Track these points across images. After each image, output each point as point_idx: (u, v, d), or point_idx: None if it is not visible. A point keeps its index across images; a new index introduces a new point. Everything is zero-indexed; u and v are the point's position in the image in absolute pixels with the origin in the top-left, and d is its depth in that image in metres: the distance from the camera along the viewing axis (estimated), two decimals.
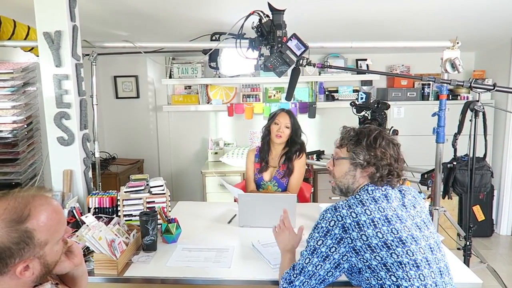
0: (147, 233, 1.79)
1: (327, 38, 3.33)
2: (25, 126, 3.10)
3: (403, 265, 1.19)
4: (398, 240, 1.21)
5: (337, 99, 4.22)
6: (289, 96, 2.31)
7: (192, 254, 1.80)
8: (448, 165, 2.31)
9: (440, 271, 1.26)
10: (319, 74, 4.19)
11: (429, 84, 4.02)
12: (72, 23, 2.05)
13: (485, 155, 2.31)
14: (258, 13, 2.00)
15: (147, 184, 2.08)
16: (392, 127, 2.96)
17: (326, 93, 4.29)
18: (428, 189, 2.78)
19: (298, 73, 2.23)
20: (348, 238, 1.23)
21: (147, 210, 1.97)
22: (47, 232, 0.99)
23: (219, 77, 4.15)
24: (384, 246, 1.20)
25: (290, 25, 2.20)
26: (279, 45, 1.91)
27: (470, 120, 2.16)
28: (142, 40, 2.77)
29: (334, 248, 1.24)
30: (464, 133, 2.32)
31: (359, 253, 1.22)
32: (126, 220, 1.98)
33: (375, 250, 1.20)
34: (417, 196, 1.40)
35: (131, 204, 2.00)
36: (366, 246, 1.21)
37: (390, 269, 1.19)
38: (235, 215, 2.24)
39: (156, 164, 4.53)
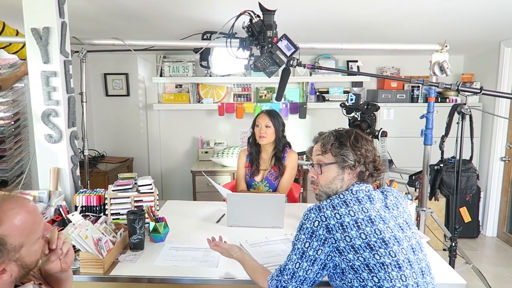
0: (134, 232, 1.78)
1: (318, 39, 3.36)
2: (12, 122, 3.06)
3: (385, 266, 1.20)
4: (381, 241, 1.23)
5: (328, 100, 4.25)
6: (279, 97, 2.32)
7: (179, 253, 1.79)
8: (435, 167, 2.34)
9: (422, 271, 1.28)
10: (310, 75, 4.21)
11: (418, 87, 4.05)
12: (61, 20, 2.02)
13: (471, 157, 2.34)
14: (249, 13, 2.00)
15: (135, 183, 2.06)
16: (381, 128, 2.98)
17: (317, 93, 4.31)
18: (415, 190, 2.81)
19: (288, 73, 2.24)
20: (332, 239, 1.24)
21: (135, 209, 1.96)
22: (21, 236, 0.98)
23: (210, 76, 4.15)
24: (367, 247, 1.21)
25: (281, 25, 2.21)
26: (270, 46, 1.91)
27: (457, 123, 2.18)
28: (132, 38, 2.76)
29: (320, 249, 1.25)
30: (451, 135, 2.35)
31: (343, 254, 1.23)
32: (113, 219, 1.96)
33: (358, 251, 1.22)
34: (399, 197, 1.42)
35: (118, 202, 1.98)
36: (350, 247, 1.22)
37: (373, 270, 1.21)
38: (224, 214, 2.24)
39: (146, 162, 4.51)
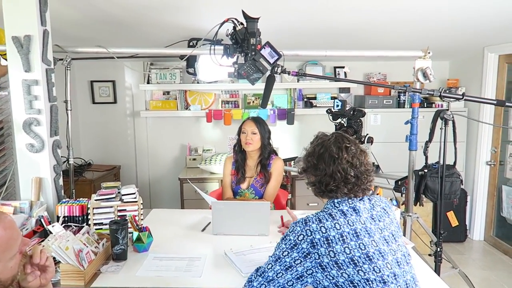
0: (117, 242, 1.75)
1: (304, 46, 3.39)
2: None
3: (370, 282, 1.18)
4: (365, 256, 1.19)
5: (315, 106, 4.26)
6: (264, 104, 2.31)
7: (163, 263, 1.77)
8: (419, 173, 2.35)
9: (407, 284, 1.26)
10: (298, 81, 4.22)
11: (405, 92, 4.09)
12: (42, 28, 2.00)
13: (455, 162, 2.36)
14: (232, 21, 2.00)
15: (119, 192, 2.04)
16: (367, 134, 2.99)
17: (305, 100, 4.33)
18: (402, 195, 2.83)
19: (273, 80, 2.24)
20: (316, 254, 1.21)
21: (118, 218, 1.93)
22: None
23: (198, 83, 4.14)
24: (351, 262, 1.18)
25: (266, 33, 2.21)
26: (253, 53, 1.91)
27: (441, 129, 2.20)
28: (118, 46, 2.74)
29: (299, 260, 1.23)
30: (435, 140, 2.37)
31: (326, 270, 1.20)
32: (96, 229, 1.93)
33: (342, 267, 1.19)
34: (387, 208, 1.38)
35: (102, 212, 1.95)
36: (333, 263, 1.19)
37: (357, 287, 1.18)
38: (210, 223, 2.22)
39: (133, 170, 4.47)
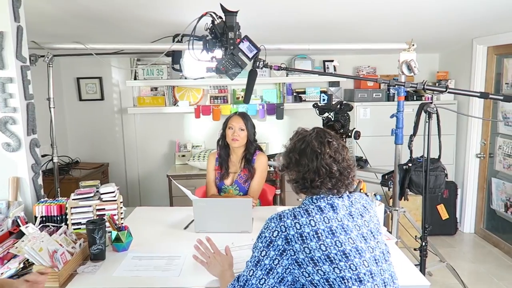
0: (94, 242, 1.72)
1: (292, 40, 3.34)
2: None
3: (345, 280, 1.15)
4: (341, 253, 1.17)
5: (305, 100, 4.23)
6: (247, 99, 2.28)
7: (142, 262, 1.74)
8: (404, 167, 2.33)
9: (384, 282, 1.25)
10: (287, 75, 4.19)
11: (391, 86, 4.06)
12: (16, 24, 1.95)
13: (439, 156, 2.34)
14: (210, 14, 1.96)
15: (97, 191, 2.00)
16: (354, 128, 2.97)
17: (294, 94, 4.29)
18: (389, 190, 2.81)
19: (255, 75, 2.20)
20: (291, 250, 1.19)
21: (96, 218, 1.90)
22: None
23: (186, 78, 4.09)
24: (327, 259, 1.16)
25: (249, 27, 2.17)
26: (231, 47, 1.87)
27: (426, 122, 2.18)
28: (101, 42, 2.69)
29: (277, 260, 1.20)
30: (420, 134, 2.34)
31: (302, 266, 1.18)
32: (74, 229, 1.90)
33: (317, 264, 1.16)
34: (367, 205, 1.35)
35: (80, 212, 1.92)
36: (309, 259, 1.17)
37: (333, 286, 1.16)
38: (193, 220, 2.19)
39: (122, 168, 4.43)
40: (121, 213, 2.00)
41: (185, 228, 2.16)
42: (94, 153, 4.32)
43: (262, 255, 1.22)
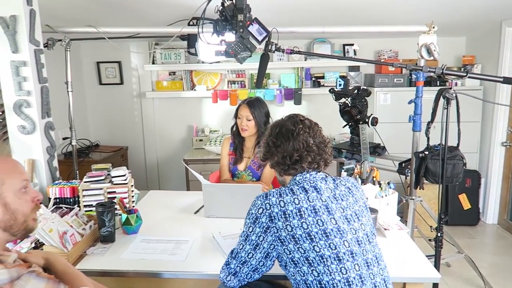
0: (103, 224, 1.75)
1: (310, 22, 3.26)
2: (0, 113, 3.05)
3: (324, 259, 1.19)
4: (322, 232, 1.22)
5: (323, 85, 4.14)
6: (258, 83, 2.24)
7: (150, 245, 1.76)
8: (420, 155, 2.25)
9: (367, 263, 1.25)
10: (305, 60, 4.10)
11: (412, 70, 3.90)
12: (29, 7, 1.97)
13: (458, 144, 2.24)
14: None
15: (109, 174, 2.03)
16: (371, 114, 2.89)
17: (313, 79, 4.21)
18: (406, 178, 2.73)
19: (267, 59, 2.16)
20: (274, 228, 1.24)
21: (107, 200, 1.92)
22: (1, 171, 1.07)
23: (203, 62, 4.07)
24: (308, 237, 1.21)
25: (263, 9, 2.10)
26: (241, 30, 1.83)
27: (444, 108, 2.08)
28: (115, 25, 2.70)
29: (262, 236, 1.27)
30: (439, 121, 2.24)
31: (284, 243, 1.23)
32: (86, 211, 1.94)
33: (298, 242, 1.21)
34: (353, 188, 1.38)
35: (91, 194, 1.96)
36: (290, 237, 1.22)
37: (312, 264, 1.20)
38: (203, 205, 2.20)
39: (142, 151, 4.49)
40: (132, 196, 2.02)
41: (196, 212, 2.17)
42: (114, 137, 4.39)
43: (250, 231, 1.30)
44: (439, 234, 2.17)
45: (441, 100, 2.10)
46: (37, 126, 2.06)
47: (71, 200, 2.00)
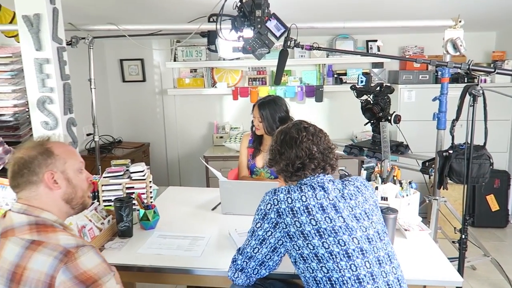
0: (121, 219, 1.77)
1: (330, 18, 3.19)
2: (26, 110, 3.14)
3: (333, 256, 1.19)
4: (331, 229, 1.21)
5: (345, 82, 4.07)
6: (277, 80, 2.23)
7: (166, 241, 1.77)
8: (444, 154, 2.17)
9: (379, 260, 1.23)
10: (327, 56, 4.04)
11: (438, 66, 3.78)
12: (52, 6, 2.01)
13: (485, 143, 2.14)
14: None
15: (127, 170, 2.05)
16: (394, 112, 2.81)
17: (335, 76, 4.14)
18: (429, 178, 2.65)
19: (286, 55, 2.14)
20: (283, 223, 1.26)
21: (125, 196, 1.95)
22: (63, 152, 1.23)
23: (224, 60, 4.07)
24: (317, 234, 1.21)
25: (283, 5, 2.07)
26: (258, 26, 1.81)
27: (470, 105, 2.00)
28: (136, 23, 2.73)
29: (270, 232, 1.28)
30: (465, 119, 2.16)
31: (293, 239, 1.24)
32: (105, 205, 1.97)
33: (307, 238, 1.22)
34: (362, 187, 1.36)
35: (110, 189, 1.99)
36: (299, 233, 1.23)
37: (321, 260, 1.19)
38: (220, 202, 2.20)
39: (163, 148, 4.54)
40: (150, 192, 2.04)
41: (213, 209, 2.17)
42: (136, 133, 4.46)
43: (257, 226, 1.32)
44: (463, 236, 2.09)
45: (467, 97, 2.01)
46: (59, 122, 2.11)
47: (91, 194, 2.03)
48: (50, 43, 2.01)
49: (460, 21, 2.13)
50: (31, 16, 1.96)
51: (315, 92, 4.08)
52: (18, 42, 2.44)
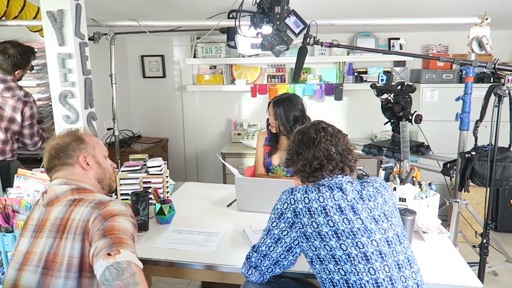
0: (137, 213, 1.79)
1: (352, 15, 3.15)
2: (50, 103, 3.21)
3: (351, 258, 1.17)
4: (349, 230, 1.19)
5: (366, 81, 4.00)
6: (295, 78, 2.21)
7: (181, 236, 1.79)
8: (466, 155, 2.11)
9: (398, 264, 1.20)
10: (348, 54, 3.98)
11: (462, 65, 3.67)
12: (75, 2, 2.05)
13: (510, 145, 2.07)
14: None
15: (145, 164, 2.08)
16: (415, 111, 2.75)
17: (355, 74, 4.08)
18: (450, 179, 2.58)
19: (305, 52, 2.12)
20: (299, 223, 1.24)
21: (141, 190, 1.97)
22: (92, 140, 1.46)
23: (243, 57, 4.06)
24: (334, 235, 1.19)
25: (306, 1, 2.04)
26: (277, 23, 1.80)
27: (495, 106, 1.93)
28: (157, 19, 2.75)
29: (286, 231, 1.27)
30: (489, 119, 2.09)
31: (309, 239, 1.23)
32: (123, 199, 2.00)
33: (324, 239, 1.20)
34: (381, 188, 1.33)
35: (128, 183, 2.01)
36: (316, 234, 1.21)
37: (338, 262, 1.17)
38: (236, 199, 2.20)
39: (181, 143, 4.58)
40: (167, 187, 2.06)
41: (228, 206, 2.17)
42: (155, 128, 4.51)
43: (273, 225, 1.31)
44: (484, 241, 2.03)
45: (492, 98, 1.95)
46: (80, 116, 2.15)
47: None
48: (72, 39, 2.05)
49: (486, 19, 2.06)
50: (55, 11, 2.01)
51: (334, 90, 4.04)
52: (42, 36, 2.50)
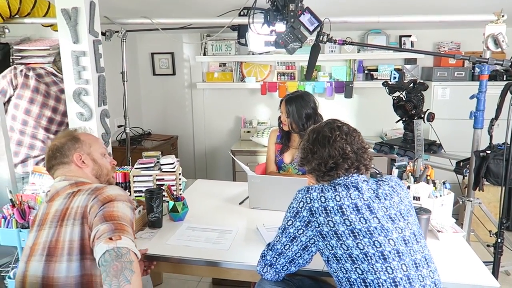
0: (151, 210, 1.80)
1: (363, 12, 3.12)
2: None
3: (368, 257, 1.16)
4: (366, 229, 1.18)
5: (376, 78, 3.98)
6: (308, 75, 2.19)
7: (194, 233, 1.79)
8: (481, 154, 2.09)
9: (416, 264, 1.19)
10: (358, 52, 3.96)
11: (476, 63, 3.63)
12: (89, 0, 2.06)
13: None
14: None
15: (158, 162, 2.09)
16: (427, 109, 2.73)
17: (366, 71, 4.06)
18: (463, 178, 2.56)
19: (318, 50, 2.10)
20: (315, 222, 1.24)
21: (155, 187, 1.98)
22: (88, 139, 1.54)
23: (253, 54, 4.06)
24: (351, 234, 1.18)
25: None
26: (292, 20, 1.79)
27: (511, 104, 1.91)
28: (169, 17, 2.75)
29: (302, 230, 1.27)
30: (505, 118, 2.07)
31: (326, 239, 1.22)
32: (136, 196, 2.01)
33: (341, 238, 1.19)
34: (397, 187, 1.32)
35: (141, 180, 2.02)
36: (333, 233, 1.21)
37: (356, 262, 1.17)
38: (248, 196, 2.20)
39: (191, 141, 4.59)
40: (179, 184, 2.07)
41: (240, 203, 2.18)
42: (165, 126, 4.53)
43: (288, 224, 1.31)
44: (499, 240, 2.01)
45: (508, 96, 1.93)
46: (93, 113, 2.16)
47: (123, 185, 2.09)
48: (86, 36, 2.06)
49: (502, 16, 2.04)
50: (69, 9, 2.01)
51: (344, 88, 4.02)
52: (55, 31, 2.51)
